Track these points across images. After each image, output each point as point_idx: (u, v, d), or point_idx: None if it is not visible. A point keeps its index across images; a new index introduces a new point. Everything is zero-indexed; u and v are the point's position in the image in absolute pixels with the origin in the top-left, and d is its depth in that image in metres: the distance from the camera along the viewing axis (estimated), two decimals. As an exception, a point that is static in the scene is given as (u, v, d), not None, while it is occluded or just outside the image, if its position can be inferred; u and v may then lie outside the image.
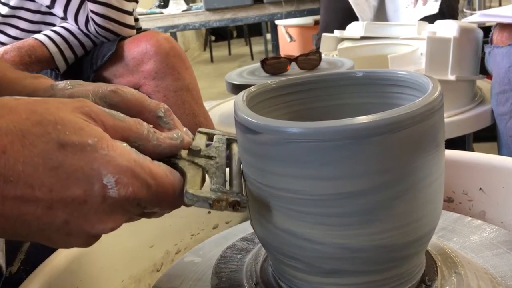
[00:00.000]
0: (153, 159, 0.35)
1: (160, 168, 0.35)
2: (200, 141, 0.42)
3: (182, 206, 0.36)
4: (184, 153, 0.39)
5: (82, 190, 0.31)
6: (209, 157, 0.40)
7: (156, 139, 0.36)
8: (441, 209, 0.38)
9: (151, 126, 0.38)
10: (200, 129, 0.45)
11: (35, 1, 1.26)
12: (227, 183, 0.38)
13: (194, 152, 0.39)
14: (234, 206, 0.35)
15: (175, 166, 0.37)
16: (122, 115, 0.35)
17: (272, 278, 0.41)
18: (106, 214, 0.32)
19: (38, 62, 1.23)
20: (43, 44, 1.22)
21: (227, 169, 0.40)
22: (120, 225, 0.34)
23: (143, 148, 0.35)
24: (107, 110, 0.35)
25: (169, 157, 0.38)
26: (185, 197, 0.34)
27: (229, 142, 0.44)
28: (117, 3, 1.22)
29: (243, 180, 0.39)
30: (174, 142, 0.38)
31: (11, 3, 1.27)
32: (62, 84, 0.45)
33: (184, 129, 0.42)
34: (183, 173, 0.37)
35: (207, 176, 0.38)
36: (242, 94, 0.40)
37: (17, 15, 1.28)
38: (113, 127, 0.34)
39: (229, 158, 0.42)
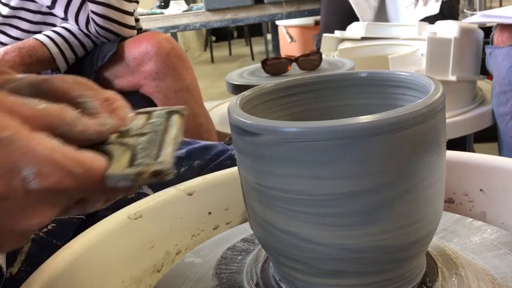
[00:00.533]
0: (81, 146, 0.34)
1: (86, 155, 0.33)
2: (137, 122, 0.40)
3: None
4: (114, 136, 0.37)
5: (1, 186, 0.29)
6: (141, 134, 0.37)
7: (83, 125, 0.34)
8: (442, 210, 0.38)
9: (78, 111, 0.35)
10: (139, 110, 0.42)
11: (35, 2, 1.26)
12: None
13: (123, 133, 0.37)
14: (158, 175, 0.33)
15: (104, 152, 0.35)
16: (42, 103, 0.33)
17: (272, 279, 0.41)
18: (31, 208, 0.31)
19: (38, 62, 1.23)
20: (44, 44, 1.23)
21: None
22: (49, 219, 0.33)
23: (68, 135, 0.33)
24: (26, 100, 0.33)
25: (98, 143, 0.36)
26: (105, 180, 0.32)
27: (169, 115, 0.41)
28: (117, 3, 1.22)
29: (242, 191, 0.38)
30: (101, 127, 0.36)
31: (12, 4, 1.27)
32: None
33: (119, 113, 0.40)
34: (111, 156, 0.34)
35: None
36: (236, 99, 0.40)
37: (18, 16, 1.28)
38: (32, 117, 0.32)
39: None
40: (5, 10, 1.28)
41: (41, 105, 0.33)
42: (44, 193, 0.31)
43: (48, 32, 1.25)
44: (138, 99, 1.22)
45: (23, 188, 0.30)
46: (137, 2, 1.31)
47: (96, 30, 1.23)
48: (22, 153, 0.30)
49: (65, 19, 1.26)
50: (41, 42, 1.23)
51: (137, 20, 1.36)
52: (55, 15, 1.27)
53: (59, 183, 0.31)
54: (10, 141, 0.30)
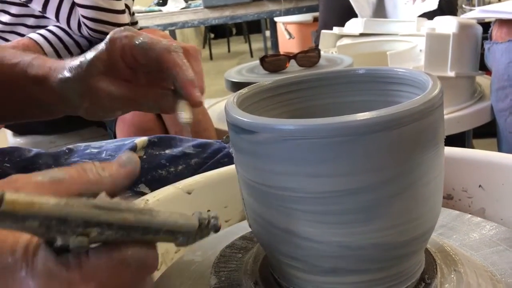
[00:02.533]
0: (116, 194, 0.32)
1: (95, 261, 0.29)
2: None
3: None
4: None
5: None
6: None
7: (109, 178, 0.32)
8: (441, 207, 0.38)
9: (97, 163, 0.33)
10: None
11: (20, 5, 1.26)
12: None
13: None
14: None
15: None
16: (61, 173, 0.32)
17: (271, 277, 0.41)
18: None
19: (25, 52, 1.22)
20: (37, 43, 1.22)
21: None
22: None
23: (100, 191, 0.31)
24: (41, 176, 0.31)
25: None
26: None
27: None
28: (106, 4, 1.21)
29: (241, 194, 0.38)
30: (127, 168, 0.33)
31: (12, 11, 1.27)
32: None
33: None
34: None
35: None
36: (233, 97, 0.40)
37: (20, 23, 1.28)
38: (55, 192, 0.30)
39: None
40: (5, 18, 1.27)
41: (60, 175, 0.31)
42: None
43: (43, 31, 1.25)
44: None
45: None
46: None
47: (89, 33, 1.22)
48: (24, 286, 0.28)
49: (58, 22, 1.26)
50: (35, 41, 1.22)
51: (132, 14, 1.35)
52: (47, 17, 1.27)
53: None
54: (14, 269, 0.28)
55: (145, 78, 0.53)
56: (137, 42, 0.49)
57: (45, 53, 1.23)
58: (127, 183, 0.33)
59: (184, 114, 0.48)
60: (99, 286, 0.29)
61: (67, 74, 0.52)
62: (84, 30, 1.22)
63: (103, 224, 0.29)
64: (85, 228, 0.28)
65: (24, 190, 0.29)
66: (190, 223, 0.32)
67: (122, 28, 0.51)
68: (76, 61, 0.52)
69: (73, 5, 1.22)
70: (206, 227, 0.33)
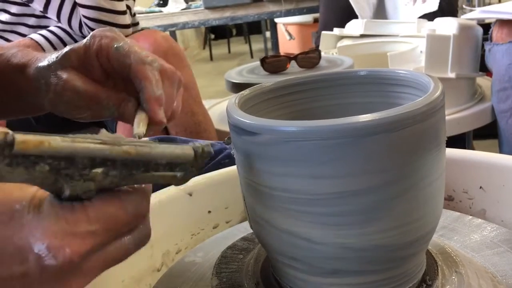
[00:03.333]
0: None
1: (99, 206, 0.31)
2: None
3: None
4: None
5: (18, 264, 0.29)
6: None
7: None
8: (442, 208, 0.38)
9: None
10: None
11: (21, 5, 1.26)
12: None
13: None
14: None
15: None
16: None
17: (273, 278, 0.41)
18: (57, 282, 0.29)
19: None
20: (38, 44, 1.22)
21: None
22: (87, 283, 0.31)
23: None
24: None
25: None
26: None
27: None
28: (108, 5, 1.21)
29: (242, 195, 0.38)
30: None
31: (12, 10, 1.27)
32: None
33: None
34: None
35: None
36: (234, 98, 0.40)
37: (20, 22, 1.28)
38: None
39: None
40: (5, 17, 1.28)
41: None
42: (64, 266, 0.29)
43: (44, 32, 1.25)
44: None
45: (39, 265, 0.29)
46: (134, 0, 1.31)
47: (90, 33, 1.22)
48: (32, 227, 0.29)
49: (59, 23, 1.26)
50: (36, 41, 1.22)
51: (133, 15, 1.35)
52: (48, 17, 1.27)
53: (77, 252, 0.29)
54: (21, 214, 0.29)
55: (114, 82, 0.52)
56: (115, 46, 0.48)
57: None
58: None
59: (138, 127, 0.47)
60: (103, 228, 0.31)
61: (44, 62, 0.52)
62: (85, 30, 1.22)
63: (107, 161, 0.30)
64: (92, 169, 0.30)
65: None
66: (186, 153, 0.33)
67: (107, 28, 0.51)
68: (57, 52, 0.52)
69: (75, 5, 1.22)
70: (201, 155, 0.34)
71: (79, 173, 0.30)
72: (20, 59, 0.54)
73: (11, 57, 0.55)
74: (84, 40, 0.50)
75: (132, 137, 0.45)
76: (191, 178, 0.34)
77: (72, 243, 0.29)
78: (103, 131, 0.33)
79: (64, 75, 0.50)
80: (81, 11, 1.20)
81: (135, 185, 0.34)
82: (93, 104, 0.50)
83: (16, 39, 1.28)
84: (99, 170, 0.30)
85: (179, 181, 0.34)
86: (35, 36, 1.24)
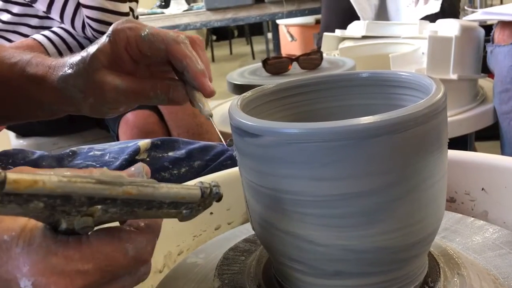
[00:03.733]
0: None
1: (95, 244, 0.29)
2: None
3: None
4: None
5: None
6: None
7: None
8: (444, 210, 0.38)
9: (105, 169, 0.33)
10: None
11: (24, 5, 1.26)
12: None
13: None
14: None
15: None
16: (68, 172, 0.30)
17: (274, 280, 0.41)
18: None
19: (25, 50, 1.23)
20: (42, 44, 1.23)
21: None
22: None
23: None
24: (47, 171, 0.30)
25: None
26: None
27: None
28: (111, 6, 1.21)
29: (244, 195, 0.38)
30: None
31: (14, 10, 1.27)
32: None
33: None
34: None
35: None
36: (236, 100, 0.40)
37: (21, 22, 1.29)
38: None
39: None
40: (6, 17, 1.28)
41: (68, 174, 0.30)
42: None
43: (46, 32, 1.25)
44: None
45: None
46: (136, 2, 1.31)
47: (92, 35, 1.23)
48: (20, 262, 0.28)
49: (62, 23, 1.26)
50: (39, 42, 1.23)
51: (136, 17, 1.35)
52: (51, 18, 1.27)
53: None
54: (9, 245, 0.28)
55: (148, 70, 0.53)
56: (143, 34, 0.48)
57: (48, 54, 1.23)
58: None
59: (206, 107, 0.48)
60: (96, 268, 0.29)
61: (68, 70, 0.51)
62: (88, 31, 1.23)
63: (107, 200, 0.29)
64: (90, 207, 0.28)
65: None
66: (192, 193, 0.32)
67: (124, 19, 0.51)
68: (77, 57, 0.51)
69: (78, 5, 1.22)
70: (208, 196, 0.32)
71: (76, 210, 0.28)
72: (36, 70, 0.54)
73: (26, 66, 0.54)
74: (104, 38, 0.50)
75: (204, 116, 0.47)
76: (197, 215, 0.33)
77: (59, 282, 0.28)
78: (105, 169, 0.32)
79: (101, 78, 0.49)
80: (85, 12, 1.21)
81: (142, 224, 0.32)
82: (139, 98, 0.50)
83: (18, 39, 1.28)
84: (98, 206, 0.29)
85: (184, 218, 0.33)
86: (38, 36, 1.24)
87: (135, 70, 0.51)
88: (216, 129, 0.49)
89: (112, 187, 0.29)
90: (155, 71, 0.53)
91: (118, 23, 0.50)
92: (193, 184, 0.33)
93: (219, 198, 0.34)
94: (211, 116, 0.48)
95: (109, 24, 1.22)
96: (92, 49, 0.50)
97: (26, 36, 1.29)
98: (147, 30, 0.49)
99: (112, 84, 0.49)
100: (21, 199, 0.26)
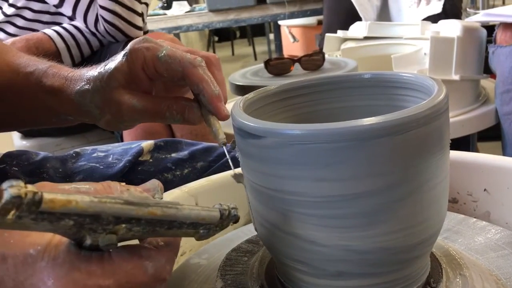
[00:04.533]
0: None
1: (117, 260, 0.31)
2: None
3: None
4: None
5: None
6: None
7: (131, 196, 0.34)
8: (446, 211, 0.38)
9: (123, 184, 0.35)
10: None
11: (40, 2, 1.27)
12: None
13: None
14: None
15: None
16: (87, 186, 0.33)
17: (277, 280, 0.41)
18: None
19: (44, 55, 1.23)
20: (51, 38, 1.24)
21: None
22: None
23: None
24: (67, 185, 0.33)
25: None
26: None
27: None
28: (128, 1, 1.23)
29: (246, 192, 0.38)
30: (150, 194, 0.35)
31: (18, 4, 1.28)
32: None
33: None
34: None
35: None
36: (239, 101, 0.40)
37: (19, 14, 1.30)
38: None
39: None
40: (10, 10, 1.29)
41: (86, 189, 0.33)
42: None
43: (57, 28, 1.26)
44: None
45: None
46: (147, 5, 1.32)
47: (104, 28, 1.23)
48: (44, 276, 0.29)
49: (72, 18, 1.27)
50: (49, 36, 1.24)
51: (145, 23, 1.36)
52: (62, 14, 1.28)
53: None
54: (35, 259, 0.29)
55: (163, 88, 0.53)
56: (160, 55, 0.49)
57: (57, 49, 1.24)
58: None
59: (220, 134, 0.49)
60: (116, 284, 0.30)
61: (85, 86, 0.51)
62: (101, 25, 1.24)
63: (132, 219, 0.30)
64: (115, 225, 0.30)
65: None
66: (212, 215, 0.34)
67: (141, 38, 0.51)
68: (94, 72, 0.51)
69: (92, 0, 1.23)
70: (226, 218, 0.34)
71: (102, 227, 0.30)
72: (52, 81, 0.54)
73: (42, 77, 0.55)
74: (122, 56, 0.50)
75: (218, 143, 0.48)
76: (214, 235, 0.35)
77: None
78: (132, 189, 0.34)
79: (118, 97, 0.50)
80: (99, 1, 1.22)
81: (161, 243, 0.34)
82: (155, 117, 0.51)
83: (12, 30, 1.29)
84: (123, 225, 0.30)
85: (201, 238, 0.35)
86: (48, 31, 1.25)
87: (152, 88, 0.52)
88: (227, 155, 0.49)
89: (138, 207, 0.31)
90: (171, 88, 0.54)
91: (135, 41, 0.50)
92: (212, 206, 0.35)
93: (236, 220, 0.36)
94: (224, 144, 0.48)
95: (122, 18, 1.23)
96: (109, 66, 0.50)
97: (21, 28, 1.30)
98: (164, 51, 0.49)
99: (129, 104, 0.50)
100: (53, 217, 0.28)
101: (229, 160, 0.48)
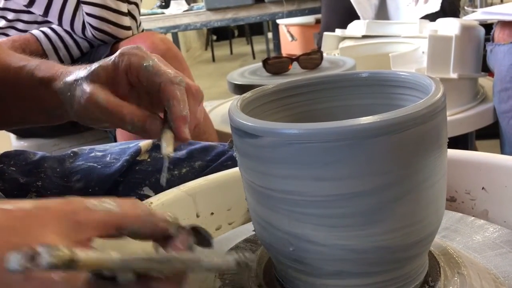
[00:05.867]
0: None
1: None
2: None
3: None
4: None
5: None
6: None
7: (151, 222, 0.35)
8: (444, 210, 0.38)
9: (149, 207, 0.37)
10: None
11: (29, 13, 1.26)
12: None
13: None
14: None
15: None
16: (114, 205, 0.34)
17: (275, 280, 0.41)
18: None
19: (31, 56, 1.23)
20: (38, 39, 1.23)
21: None
22: None
23: (138, 232, 0.35)
24: (96, 202, 0.34)
25: None
26: None
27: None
28: (113, 4, 1.21)
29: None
30: (166, 225, 0.36)
31: (9, 17, 1.28)
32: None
33: None
34: None
35: None
36: (236, 101, 0.40)
37: (13, 26, 1.29)
38: (105, 223, 0.33)
39: None
40: (1, 23, 1.28)
41: (114, 206, 0.34)
42: None
43: (45, 29, 1.25)
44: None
45: None
46: (136, 5, 1.31)
47: (92, 34, 1.22)
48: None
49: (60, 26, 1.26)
50: (36, 37, 1.23)
51: (139, 25, 1.36)
52: (50, 22, 1.27)
53: None
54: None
55: (139, 98, 0.54)
56: (144, 64, 0.50)
57: (43, 50, 1.23)
58: (160, 235, 0.36)
59: (167, 147, 0.48)
60: None
61: (72, 77, 0.53)
62: (88, 31, 1.22)
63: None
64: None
65: (83, 226, 0.32)
66: (230, 266, 0.34)
67: (135, 46, 0.52)
68: (82, 68, 0.53)
69: (77, 6, 1.22)
70: (244, 266, 0.34)
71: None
72: (45, 73, 0.55)
73: (34, 69, 0.56)
74: (112, 57, 0.52)
75: (162, 154, 0.48)
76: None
77: None
78: (161, 250, 0.36)
79: (88, 88, 0.51)
80: (85, 9, 1.20)
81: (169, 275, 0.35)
82: (115, 119, 0.51)
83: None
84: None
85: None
86: (36, 32, 1.24)
87: (130, 95, 0.53)
88: (165, 169, 0.48)
89: (162, 264, 0.32)
90: (145, 101, 0.54)
91: (128, 47, 0.52)
92: (231, 254, 0.35)
93: (249, 270, 0.38)
94: (168, 157, 0.48)
95: (109, 22, 1.22)
96: (96, 64, 0.52)
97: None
98: (150, 62, 0.50)
99: (94, 97, 0.50)
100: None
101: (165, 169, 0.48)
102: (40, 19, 1.28)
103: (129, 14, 1.27)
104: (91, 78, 0.51)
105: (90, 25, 1.21)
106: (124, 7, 1.24)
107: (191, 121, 0.50)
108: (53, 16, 1.22)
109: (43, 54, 1.23)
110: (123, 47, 0.52)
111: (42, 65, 0.56)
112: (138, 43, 1.28)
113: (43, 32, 1.24)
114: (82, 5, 1.21)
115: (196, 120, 0.52)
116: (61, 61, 1.26)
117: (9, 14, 1.27)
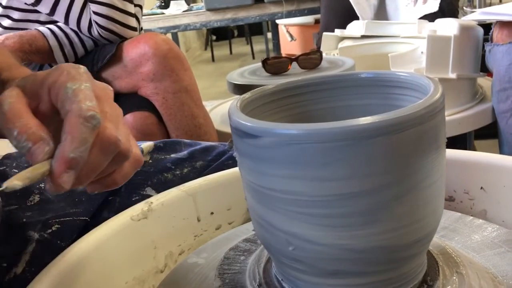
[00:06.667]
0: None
1: None
2: None
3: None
4: None
5: None
6: None
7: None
8: (442, 210, 0.39)
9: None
10: None
11: (37, 12, 1.27)
12: None
13: None
14: None
15: None
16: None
17: (275, 279, 0.41)
18: None
19: (37, 52, 1.24)
20: (44, 36, 1.24)
21: None
22: None
23: None
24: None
25: None
26: None
27: None
28: (120, 4, 1.22)
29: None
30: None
31: (3, 3, 1.28)
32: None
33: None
34: None
35: None
36: (236, 101, 0.40)
37: (5, 15, 1.29)
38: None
39: None
40: (7, 22, 1.28)
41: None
42: None
43: (51, 26, 1.26)
44: (136, 101, 1.22)
45: None
46: (140, 7, 1.31)
47: (98, 33, 1.23)
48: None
49: (66, 25, 1.26)
50: (42, 33, 1.24)
51: (141, 29, 1.37)
52: (38, 12, 1.27)
53: None
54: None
55: (54, 120, 0.45)
56: (68, 86, 0.42)
57: (50, 46, 1.24)
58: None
59: (15, 180, 0.38)
60: None
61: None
62: (95, 30, 1.23)
63: None
64: None
65: None
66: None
67: (77, 66, 0.45)
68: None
69: (84, 5, 1.22)
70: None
71: None
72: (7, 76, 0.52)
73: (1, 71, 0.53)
74: (50, 69, 0.45)
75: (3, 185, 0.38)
76: None
77: None
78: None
79: (7, 91, 0.44)
80: (92, 7, 1.21)
81: None
82: (5, 129, 0.42)
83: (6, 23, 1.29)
84: None
85: None
86: (42, 28, 1.25)
87: (50, 113, 0.45)
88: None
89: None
90: (50, 127, 0.44)
91: (68, 64, 0.46)
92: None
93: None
94: (4, 190, 0.38)
95: (116, 21, 1.22)
96: (39, 71, 0.47)
97: (7, 28, 1.29)
98: (75, 86, 0.42)
99: (3, 97, 0.43)
100: None
101: None
102: (42, 19, 1.28)
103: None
104: (19, 83, 0.45)
105: (97, 24, 1.22)
106: (131, 8, 1.25)
107: (86, 171, 0.41)
108: (60, 14, 1.23)
109: (49, 51, 1.24)
110: (65, 64, 0.46)
111: (22, 71, 0.53)
112: (141, 43, 1.29)
113: (50, 29, 1.25)
114: (90, 3, 1.22)
115: (95, 174, 0.42)
116: (65, 57, 1.26)
117: (14, 13, 1.28)
